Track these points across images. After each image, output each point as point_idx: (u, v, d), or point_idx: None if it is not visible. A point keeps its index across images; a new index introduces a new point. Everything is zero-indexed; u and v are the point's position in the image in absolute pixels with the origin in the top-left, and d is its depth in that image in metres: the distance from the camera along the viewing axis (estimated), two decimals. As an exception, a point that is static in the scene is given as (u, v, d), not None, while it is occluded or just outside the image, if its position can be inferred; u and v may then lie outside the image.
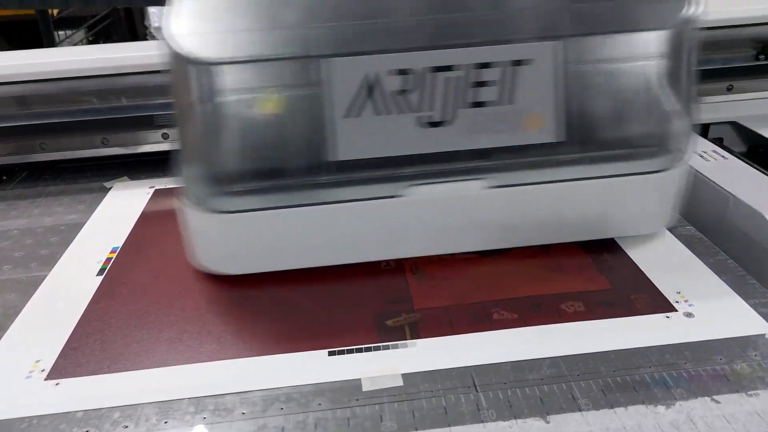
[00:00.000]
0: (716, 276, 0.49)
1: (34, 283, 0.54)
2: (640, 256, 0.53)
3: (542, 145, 0.48)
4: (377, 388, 0.40)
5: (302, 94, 0.46)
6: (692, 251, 0.53)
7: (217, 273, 0.52)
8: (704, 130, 0.81)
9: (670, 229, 0.56)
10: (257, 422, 0.38)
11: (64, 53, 0.81)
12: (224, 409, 0.39)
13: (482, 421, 0.37)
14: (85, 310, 0.49)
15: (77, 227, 0.64)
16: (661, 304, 0.46)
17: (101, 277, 0.54)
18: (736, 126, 0.82)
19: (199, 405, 0.40)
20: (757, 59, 0.81)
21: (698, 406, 0.38)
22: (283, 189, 0.48)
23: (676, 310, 0.46)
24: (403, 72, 0.46)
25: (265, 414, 0.39)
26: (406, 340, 0.44)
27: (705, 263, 0.51)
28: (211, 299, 0.50)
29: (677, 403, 0.38)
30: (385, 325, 0.46)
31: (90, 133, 0.76)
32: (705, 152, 0.69)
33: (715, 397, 0.38)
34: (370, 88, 0.46)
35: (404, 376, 0.41)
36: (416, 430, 0.37)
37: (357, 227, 0.50)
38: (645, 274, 0.50)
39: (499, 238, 0.53)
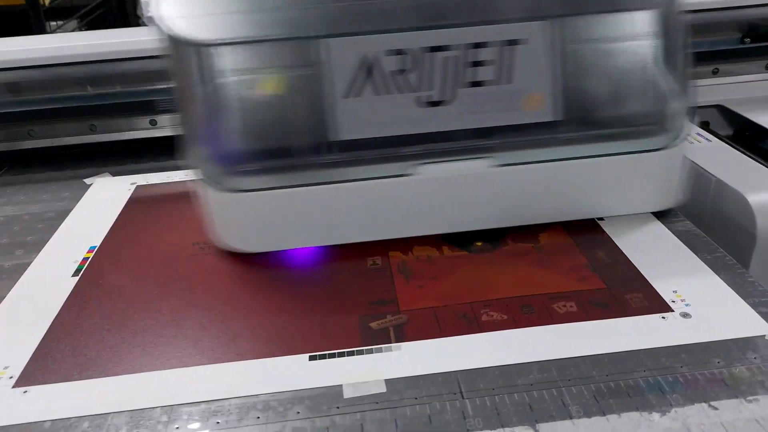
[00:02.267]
0: (714, 274, 0.47)
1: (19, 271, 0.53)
2: (636, 253, 0.51)
3: (543, 124, 0.49)
4: (359, 394, 0.39)
5: (302, 74, 0.47)
6: (689, 248, 0.51)
7: (235, 250, 0.52)
8: (690, 114, 0.80)
9: (667, 225, 0.54)
10: (232, 432, 0.36)
11: (52, 40, 0.79)
12: (198, 419, 0.38)
13: (468, 431, 0.36)
14: (58, 313, 0.47)
15: (64, 214, 0.63)
16: (657, 304, 0.45)
17: (77, 278, 0.52)
18: (721, 109, 0.81)
19: (172, 414, 0.38)
20: (743, 42, 0.80)
21: (695, 413, 0.36)
22: (289, 168, 0.49)
23: (673, 311, 0.44)
24: (399, 52, 0.46)
25: (241, 423, 0.37)
26: (390, 343, 0.42)
27: (703, 260, 0.49)
28: (188, 302, 0.48)
29: (673, 410, 0.36)
30: (369, 327, 0.44)
31: (78, 120, 0.75)
32: (689, 135, 0.69)
33: (712, 403, 0.36)
34: (369, 69, 0.46)
35: (388, 382, 0.39)
36: (399, 440, 0.35)
37: (366, 206, 0.51)
38: (640, 273, 0.48)
39: (504, 216, 0.53)
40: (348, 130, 0.47)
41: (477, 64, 0.47)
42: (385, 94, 0.47)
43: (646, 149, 0.51)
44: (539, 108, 0.48)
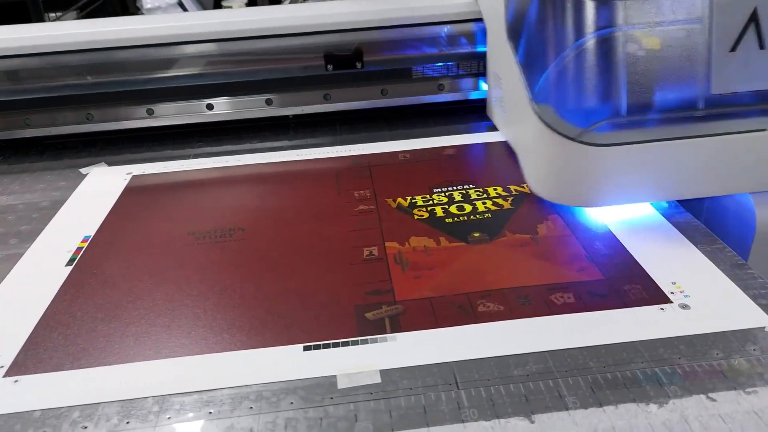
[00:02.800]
0: (714, 265, 0.47)
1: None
2: (635, 244, 0.50)
3: None
4: (354, 385, 0.38)
5: (684, 28, 0.49)
6: (689, 239, 0.50)
7: (582, 206, 0.54)
8: None
9: (666, 217, 0.54)
10: (224, 423, 0.36)
11: (49, 28, 0.79)
12: (190, 409, 0.37)
13: (463, 421, 0.35)
14: (51, 302, 0.47)
15: (59, 203, 0.63)
16: (656, 296, 0.44)
17: (70, 268, 0.51)
18: None
19: (163, 404, 0.37)
20: None
21: (693, 405, 0.35)
22: (659, 122, 0.50)
23: (671, 302, 0.43)
24: None
25: (234, 413, 0.37)
26: (386, 333, 0.42)
27: (702, 252, 0.49)
28: (182, 292, 0.47)
29: (670, 402, 0.36)
30: (365, 317, 0.44)
31: (75, 109, 0.75)
32: None
33: (711, 394, 0.36)
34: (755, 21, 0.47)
35: (382, 372, 0.39)
36: (393, 430, 0.35)
37: (723, 160, 0.51)
38: (639, 264, 0.48)
39: None
40: (725, 84, 0.49)
41: None
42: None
43: None
44: None
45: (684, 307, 0.43)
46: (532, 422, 0.35)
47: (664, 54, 0.49)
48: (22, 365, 0.41)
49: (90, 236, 0.56)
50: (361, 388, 0.38)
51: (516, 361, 0.39)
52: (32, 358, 0.41)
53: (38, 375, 0.40)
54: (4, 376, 0.40)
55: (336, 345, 0.41)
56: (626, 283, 0.45)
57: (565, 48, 0.51)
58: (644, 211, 0.55)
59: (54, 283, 0.49)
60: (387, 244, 0.52)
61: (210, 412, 0.37)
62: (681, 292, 0.44)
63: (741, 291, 0.44)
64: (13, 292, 0.49)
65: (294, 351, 0.41)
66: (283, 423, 0.36)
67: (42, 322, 0.45)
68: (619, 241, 0.51)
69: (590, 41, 0.50)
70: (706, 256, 0.48)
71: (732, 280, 0.45)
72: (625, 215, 0.54)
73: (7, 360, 0.41)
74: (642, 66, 0.49)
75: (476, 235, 0.53)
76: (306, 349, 0.41)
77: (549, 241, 0.51)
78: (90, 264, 0.52)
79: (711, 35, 0.48)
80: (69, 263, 0.52)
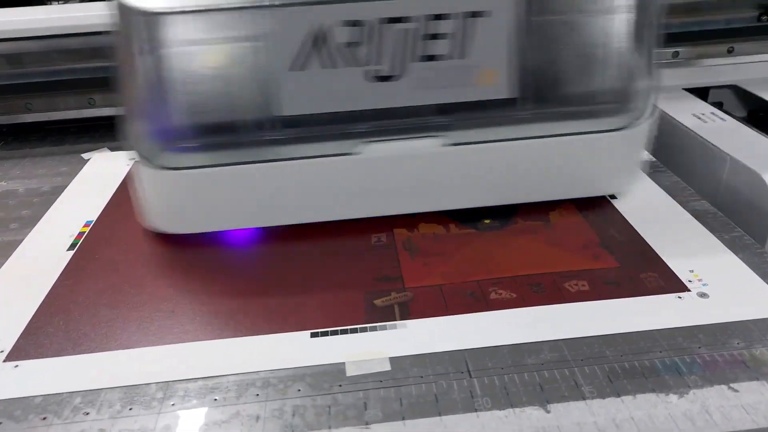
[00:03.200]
0: (732, 253, 0.46)
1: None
2: (650, 232, 0.49)
3: (498, 101, 0.46)
4: (362, 372, 0.37)
5: (247, 46, 0.44)
6: (706, 227, 0.49)
7: (167, 232, 0.50)
8: (704, 94, 0.78)
9: (682, 204, 0.52)
10: (230, 410, 0.35)
11: (51, 10, 0.77)
12: (195, 395, 0.36)
13: (476, 410, 0.34)
14: (52, 287, 0.46)
15: (61, 189, 0.62)
16: (673, 284, 0.43)
17: (72, 252, 0.50)
18: (736, 90, 0.78)
19: (167, 390, 0.36)
20: (760, 20, 0.77)
21: (714, 395, 0.34)
22: (231, 145, 0.46)
23: (689, 290, 0.42)
24: (352, 23, 0.43)
25: (239, 400, 0.36)
26: (395, 320, 0.41)
27: (720, 240, 0.47)
28: (186, 277, 0.46)
29: (691, 392, 0.34)
30: (374, 304, 0.42)
31: (77, 93, 0.74)
32: (703, 114, 0.67)
33: (732, 385, 0.35)
34: (316, 40, 0.43)
35: (392, 359, 0.38)
36: (403, 419, 0.34)
37: (310, 186, 0.48)
38: (655, 251, 0.46)
39: (458, 198, 0.50)
40: (293, 106, 0.45)
41: (432, 37, 0.44)
42: (332, 67, 0.44)
43: (607, 129, 0.48)
44: (494, 84, 0.45)
45: (702, 295, 0.42)
46: (548, 412, 0.34)
47: (228, 73, 0.44)
48: (22, 350, 0.40)
49: (92, 221, 0.55)
50: (370, 375, 0.37)
51: (530, 349, 0.38)
52: (33, 343, 0.40)
53: (39, 360, 0.39)
54: (4, 361, 0.39)
55: (344, 332, 0.40)
56: (642, 271, 0.44)
57: (129, 66, 0.45)
58: (659, 198, 0.53)
59: (55, 268, 0.48)
60: (395, 230, 0.51)
61: (215, 399, 0.36)
62: (699, 280, 0.43)
63: (761, 279, 0.43)
64: (14, 276, 0.48)
65: (301, 337, 0.40)
66: (291, 410, 0.35)
67: (43, 307, 0.44)
68: (634, 228, 0.49)
69: (147, 59, 0.44)
70: (724, 244, 0.47)
71: (751, 268, 0.44)
72: (640, 202, 0.53)
73: (8, 345, 0.40)
74: (205, 86, 0.44)
75: (487, 222, 0.51)
76: (313, 335, 0.40)
77: (562, 228, 0.50)
78: (92, 249, 0.51)
79: (274, 54, 0.44)
80: (71, 248, 0.51)
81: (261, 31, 0.43)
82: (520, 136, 0.48)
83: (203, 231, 0.50)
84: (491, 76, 0.45)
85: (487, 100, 0.46)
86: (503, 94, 0.46)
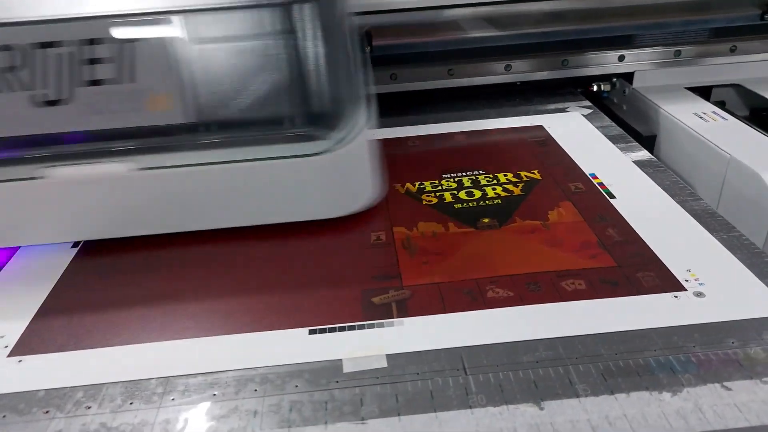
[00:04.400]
0: (730, 253, 0.46)
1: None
2: (648, 231, 0.49)
3: (181, 126, 0.46)
4: (359, 369, 0.37)
5: None
6: (705, 226, 0.49)
7: None
8: (706, 93, 0.77)
9: (681, 204, 0.52)
10: (229, 405, 0.36)
11: None
12: (194, 390, 0.37)
13: (470, 407, 0.34)
14: (56, 283, 0.47)
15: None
16: (670, 283, 0.43)
17: (76, 249, 0.51)
18: (738, 89, 0.78)
19: (168, 385, 0.37)
20: (763, 19, 0.76)
21: (707, 394, 0.34)
22: None
23: (686, 290, 0.42)
24: (3, 48, 0.43)
25: (238, 396, 0.36)
26: (392, 318, 0.41)
27: (718, 239, 0.48)
28: (187, 275, 0.47)
29: (684, 390, 0.35)
30: (372, 302, 0.43)
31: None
32: (705, 113, 0.68)
33: (726, 383, 0.35)
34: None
35: (389, 356, 0.38)
36: (399, 415, 0.34)
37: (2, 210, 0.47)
38: (652, 251, 0.47)
39: (156, 222, 0.50)
40: None
41: (94, 61, 0.44)
42: None
43: (300, 154, 0.47)
44: (167, 109, 0.45)
45: (699, 294, 0.42)
46: (542, 409, 0.34)
47: None
48: (26, 345, 0.41)
49: (96, 219, 0.55)
50: (367, 372, 0.37)
51: (525, 347, 0.38)
52: (37, 338, 0.41)
53: (42, 355, 0.40)
54: (8, 356, 0.40)
55: (342, 329, 0.41)
56: (639, 271, 0.44)
57: None
58: (658, 198, 0.53)
59: (60, 264, 0.49)
60: (395, 228, 0.51)
61: (214, 394, 0.36)
62: (696, 279, 0.43)
63: (757, 279, 0.43)
64: (19, 272, 0.49)
65: (299, 334, 0.40)
66: (288, 406, 0.35)
67: (47, 302, 0.45)
68: (632, 228, 0.50)
69: None
70: (721, 243, 0.47)
71: (748, 268, 0.44)
72: (639, 202, 0.53)
73: (12, 340, 0.41)
74: None
75: (485, 221, 0.52)
76: (312, 332, 0.40)
77: (560, 227, 0.50)
78: (96, 245, 0.51)
79: None
80: (75, 244, 0.52)
81: None
82: (210, 161, 0.47)
83: None
84: (164, 101, 0.45)
85: (169, 125, 0.46)
86: (178, 119, 0.45)
